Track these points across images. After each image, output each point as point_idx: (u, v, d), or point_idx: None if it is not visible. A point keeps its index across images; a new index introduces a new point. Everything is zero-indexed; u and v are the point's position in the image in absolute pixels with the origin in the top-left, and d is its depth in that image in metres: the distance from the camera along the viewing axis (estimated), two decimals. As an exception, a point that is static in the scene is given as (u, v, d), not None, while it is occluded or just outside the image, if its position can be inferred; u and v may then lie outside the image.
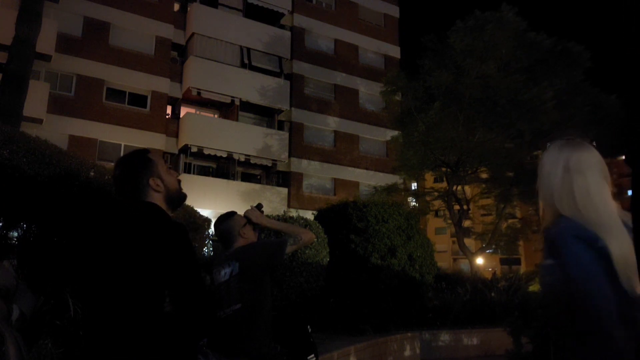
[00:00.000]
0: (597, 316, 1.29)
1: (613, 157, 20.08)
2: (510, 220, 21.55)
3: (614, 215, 1.41)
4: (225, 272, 2.44)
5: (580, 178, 1.47)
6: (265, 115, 23.65)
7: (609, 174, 1.50)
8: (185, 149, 20.81)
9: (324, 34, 25.66)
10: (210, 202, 19.11)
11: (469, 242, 23.22)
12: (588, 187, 1.45)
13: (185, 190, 1.87)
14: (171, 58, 21.64)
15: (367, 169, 25.15)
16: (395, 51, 27.84)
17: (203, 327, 1.68)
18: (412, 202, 22.04)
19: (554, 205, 1.50)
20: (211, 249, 7.21)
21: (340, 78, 25.59)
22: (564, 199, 1.48)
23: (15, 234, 4.19)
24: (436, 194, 19.91)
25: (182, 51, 22.18)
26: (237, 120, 22.28)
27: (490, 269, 34.02)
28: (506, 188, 18.36)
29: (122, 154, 14.11)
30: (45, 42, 16.23)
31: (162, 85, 20.92)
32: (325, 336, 6.35)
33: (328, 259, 7.16)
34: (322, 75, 25.08)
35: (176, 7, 22.40)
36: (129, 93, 20.36)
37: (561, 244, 1.40)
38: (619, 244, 1.35)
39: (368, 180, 24.32)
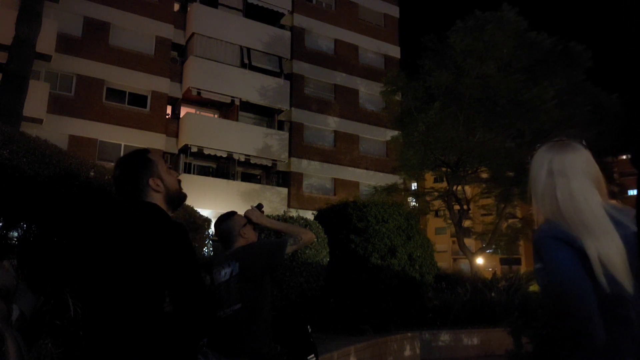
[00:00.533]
0: (578, 316, 1.29)
1: (614, 156, 20.05)
2: (510, 220, 21.53)
3: (599, 216, 1.39)
4: (225, 272, 2.44)
5: (562, 181, 1.45)
6: (265, 115, 23.64)
7: (599, 175, 1.47)
8: (185, 149, 20.81)
9: (324, 34, 25.65)
10: (210, 202, 19.11)
11: (469, 242, 23.23)
12: (571, 189, 1.43)
13: (185, 190, 1.87)
14: (171, 58, 21.64)
15: (367, 169, 25.14)
16: (395, 51, 27.83)
17: (203, 327, 1.68)
18: (412, 202, 22.03)
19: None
20: (211, 249, 7.21)
21: (340, 78, 25.58)
22: (546, 202, 1.47)
23: (15, 234, 4.19)
24: (436, 194, 19.88)
25: (182, 51, 22.18)
26: (237, 120, 22.28)
27: (490, 269, 34.03)
28: (506, 188, 18.33)
29: (122, 154, 14.11)
30: (45, 42, 16.23)
31: (162, 85, 20.92)
32: (325, 336, 6.35)
33: (328, 259, 7.16)
34: (322, 75, 25.07)
35: (176, 7, 22.40)
36: (129, 93, 20.36)
37: (542, 247, 1.40)
38: (602, 245, 1.33)
39: (368, 180, 24.31)
